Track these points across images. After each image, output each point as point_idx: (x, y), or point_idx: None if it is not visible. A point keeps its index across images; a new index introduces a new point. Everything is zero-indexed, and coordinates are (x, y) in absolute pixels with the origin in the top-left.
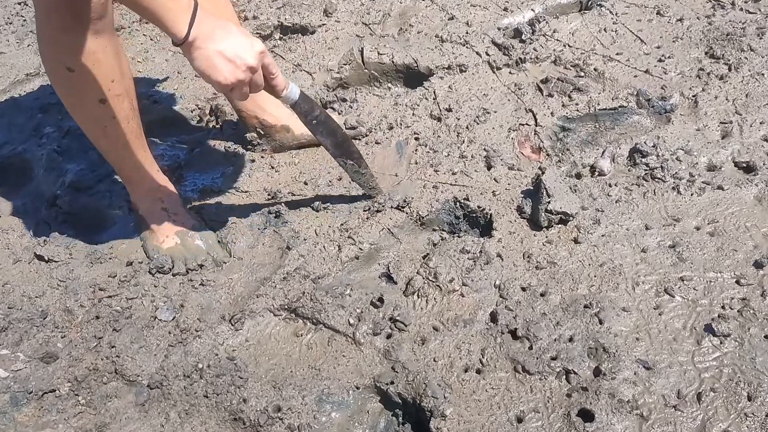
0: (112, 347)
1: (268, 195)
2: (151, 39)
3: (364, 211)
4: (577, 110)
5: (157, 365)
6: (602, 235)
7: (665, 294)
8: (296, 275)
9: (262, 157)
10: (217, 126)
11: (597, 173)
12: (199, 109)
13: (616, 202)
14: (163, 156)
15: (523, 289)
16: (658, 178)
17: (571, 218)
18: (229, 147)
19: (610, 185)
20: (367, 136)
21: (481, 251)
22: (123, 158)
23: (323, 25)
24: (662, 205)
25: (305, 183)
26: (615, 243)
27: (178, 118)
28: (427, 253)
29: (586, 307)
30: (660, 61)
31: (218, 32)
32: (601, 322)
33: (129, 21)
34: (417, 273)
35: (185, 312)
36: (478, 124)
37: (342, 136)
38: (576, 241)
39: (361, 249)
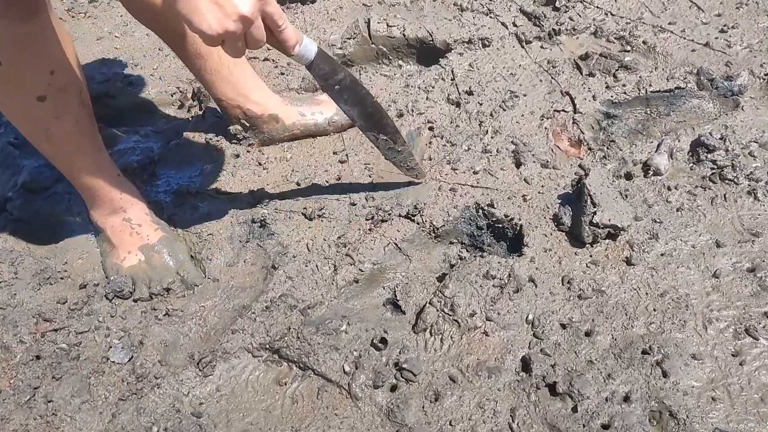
0: (49, 402)
1: (253, 198)
2: None
3: (367, 219)
4: (624, 93)
5: (102, 428)
6: (661, 254)
7: (746, 335)
8: (281, 304)
9: (248, 151)
10: (200, 112)
11: (652, 172)
12: (180, 92)
13: (677, 210)
14: (134, 149)
15: (563, 327)
16: (729, 180)
17: (621, 232)
18: (211, 139)
19: (668, 188)
20: None
21: (509, 275)
22: (73, 164)
23: None
24: (735, 215)
25: (297, 183)
26: (678, 265)
27: (155, 103)
28: (443, 275)
29: (644, 352)
30: (722, 32)
31: None
32: (665, 374)
33: None
34: (430, 303)
35: (144, 351)
36: (504, 110)
37: (373, 105)
38: (628, 262)
39: (362, 270)
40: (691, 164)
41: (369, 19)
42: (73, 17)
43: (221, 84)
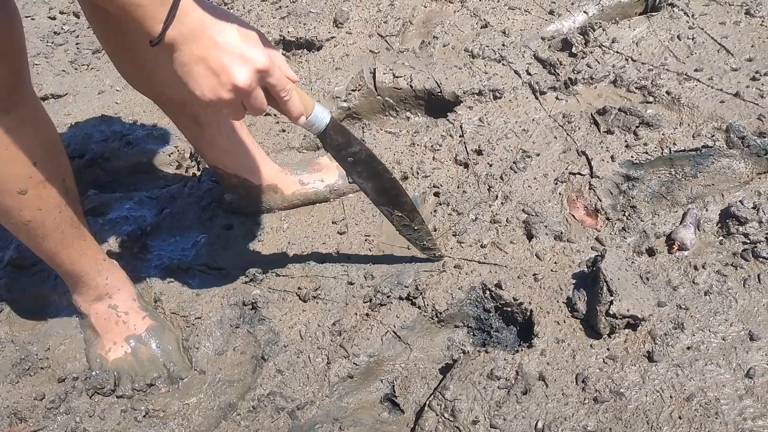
0: None
1: (246, 275)
2: None
3: (365, 302)
4: (646, 152)
5: None
6: (687, 348)
7: None
8: (269, 405)
9: (243, 223)
10: (197, 173)
11: (677, 248)
12: (178, 151)
13: (705, 294)
14: (127, 219)
15: None
16: (764, 258)
17: (642, 322)
18: (206, 207)
19: (695, 267)
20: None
21: (517, 374)
22: (56, 254)
23: (332, 38)
24: None
25: (293, 257)
26: (707, 361)
27: (153, 164)
28: (447, 366)
29: None
30: (754, 79)
31: (208, 32)
32: None
33: None
34: (429, 406)
35: None
36: (515, 172)
37: (389, 181)
38: (650, 357)
39: (357, 364)
40: (721, 238)
41: (374, 70)
42: (75, 69)
43: (218, 154)
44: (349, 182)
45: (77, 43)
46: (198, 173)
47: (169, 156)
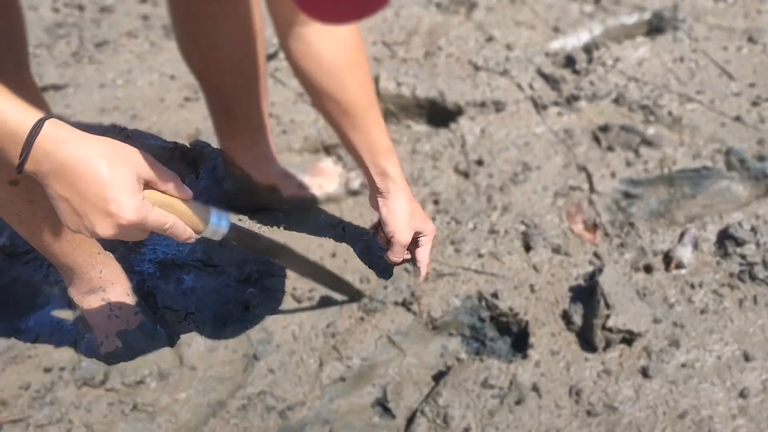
0: None
1: (241, 273)
2: (138, 57)
3: (359, 307)
4: (646, 171)
5: None
6: (682, 365)
7: None
8: (259, 404)
9: (240, 219)
10: (195, 171)
11: (674, 266)
12: (177, 147)
13: (701, 312)
14: None
15: None
16: (760, 280)
17: (638, 337)
18: (204, 202)
19: (692, 286)
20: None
21: (510, 384)
22: (48, 245)
23: None
24: (766, 322)
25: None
26: (701, 380)
27: None
28: (440, 374)
29: None
30: (755, 104)
31: (70, 179)
32: None
33: (117, 33)
34: (421, 412)
35: None
36: (515, 184)
37: (304, 262)
38: (645, 373)
39: (349, 366)
40: (718, 258)
41: (378, 76)
42: (77, 61)
43: (234, 144)
44: (346, 192)
45: (80, 36)
46: (197, 171)
47: (169, 152)
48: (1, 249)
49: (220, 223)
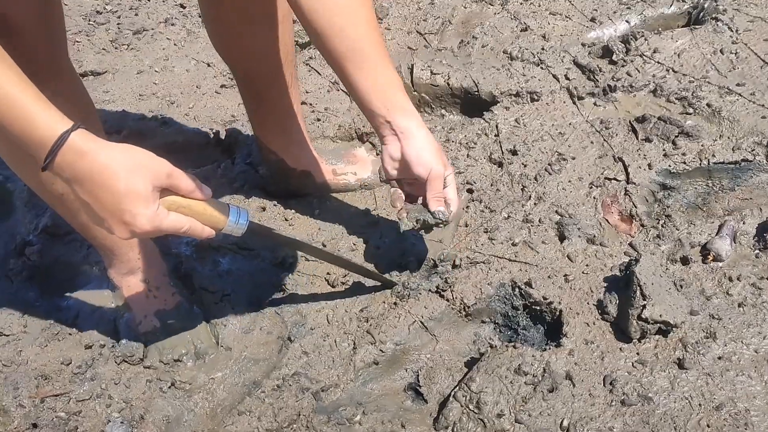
0: None
1: (275, 257)
2: (175, 44)
3: (392, 293)
4: (684, 162)
5: None
6: (719, 358)
7: None
8: (293, 384)
9: (275, 205)
10: (231, 157)
11: (711, 258)
12: (213, 133)
13: (738, 306)
14: None
15: None
16: None
17: (674, 329)
18: (239, 188)
19: (730, 279)
20: None
21: (544, 371)
22: (88, 227)
23: None
24: None
25: (323, 244)
26: (738, 372)
27: (186, 146)
28: (472, 360)
29: None
30: None
31: (89, 186)
32: None
33: (154, 21)
34: (454, 397)
35: (144, 428)
36: (550, 174)
37: (321, 253)
38: (681, 364)
39: (383, 351)
40: (757, 251)
41: (412, 65)
42: (116, 48)
43: (266, 129)
44: (380, 179)
45: (119, 23)
46: (232, 156)
47: (205, 137)
48: (43, 229)
49: (238, 221)
